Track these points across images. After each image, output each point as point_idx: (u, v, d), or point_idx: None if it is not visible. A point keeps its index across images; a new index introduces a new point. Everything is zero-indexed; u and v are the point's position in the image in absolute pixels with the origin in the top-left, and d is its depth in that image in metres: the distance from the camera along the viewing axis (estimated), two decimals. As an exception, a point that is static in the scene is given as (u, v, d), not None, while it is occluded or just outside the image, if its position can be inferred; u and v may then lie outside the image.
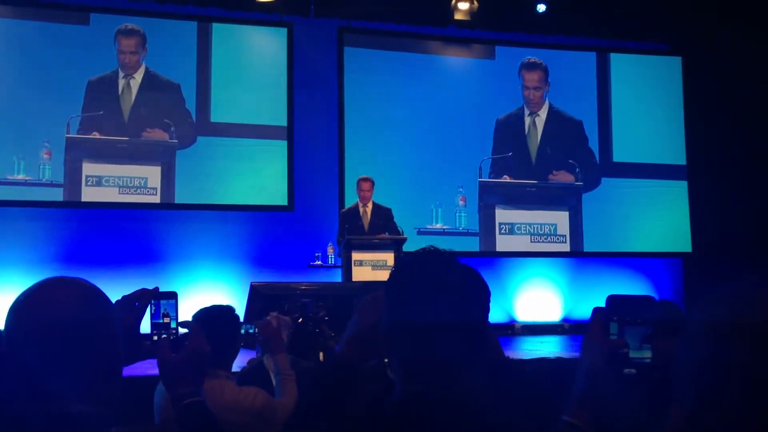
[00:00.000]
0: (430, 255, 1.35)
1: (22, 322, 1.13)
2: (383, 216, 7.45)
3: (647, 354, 1.19)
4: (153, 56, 8.87)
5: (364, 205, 7.49)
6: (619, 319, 1.20)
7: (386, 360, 1.34)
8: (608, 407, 1.16)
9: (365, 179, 7.56)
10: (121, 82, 8.75)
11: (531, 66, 10.06)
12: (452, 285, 1.29)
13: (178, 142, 8.81)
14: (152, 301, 1.55)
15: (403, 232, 7.35)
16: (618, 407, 1.18)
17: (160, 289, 1.56)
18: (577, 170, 9.98)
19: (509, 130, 9.85)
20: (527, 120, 9.97)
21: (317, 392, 1.40)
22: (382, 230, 7.31)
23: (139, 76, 8.81)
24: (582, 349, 1.22)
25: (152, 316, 1.55)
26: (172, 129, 8.81)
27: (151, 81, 8.82)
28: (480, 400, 1.26)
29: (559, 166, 9.93)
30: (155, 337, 1.53)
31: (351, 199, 8.10)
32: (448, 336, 1.25)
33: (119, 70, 8.76)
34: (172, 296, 1.58)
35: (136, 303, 1.51)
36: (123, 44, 8.79)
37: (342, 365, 1.40)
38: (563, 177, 9.94)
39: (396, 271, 1.37)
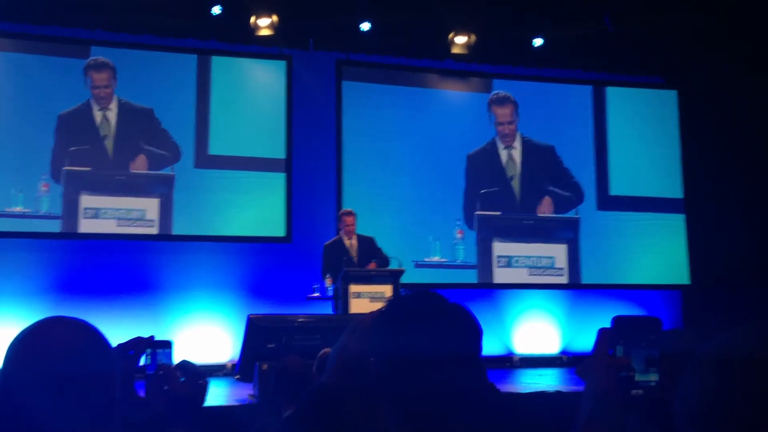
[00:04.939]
0: (420, 294, 1.36)
1: (19, 362, 1.12)
2: (368, 246, 7.49)
3: (653, 377, 1.19)
4: (155, 88, 8.90)
5: (350, 239, 7.51)
6: (625, 341, 1.19)
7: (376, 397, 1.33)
8: (616, 429, 1.15)
9: (349, 213, 7.60)
10: (98, 115, 8.70)
11: (501, 101, 10.01)
12: (444, 323, 1.30)
13: (174, 173, 8.82)
14: (147, 350, 1.53)
15: (401, 263, 7.36)
16: (625, 429, 1.16)
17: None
18: (561, 196, 9.95)
19: (485, 165, 9.81)
20: (503, 154, 9.93)
21: (304, 425, 1.37)
22: (370, 260, 7.33)
23: (114, 107, 8.78)
24: (587, 370, 1.20)
25: (147, 365, 1.52)
26: (157, 154, 8.79)
27: (126, 111, 8.79)
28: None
29: (542, 196, 9.92)
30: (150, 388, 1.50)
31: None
32: (440, 374, 1.25)
33: (92, 102, 8.70)
34: (167, 345, 1.54)
35: (130, 351, 1.50)
36: (96, 79, 8.73)
37: (328, 396, 1.38)
38: (546, 206, 9.92)
39: (386, 311, 1.37)
